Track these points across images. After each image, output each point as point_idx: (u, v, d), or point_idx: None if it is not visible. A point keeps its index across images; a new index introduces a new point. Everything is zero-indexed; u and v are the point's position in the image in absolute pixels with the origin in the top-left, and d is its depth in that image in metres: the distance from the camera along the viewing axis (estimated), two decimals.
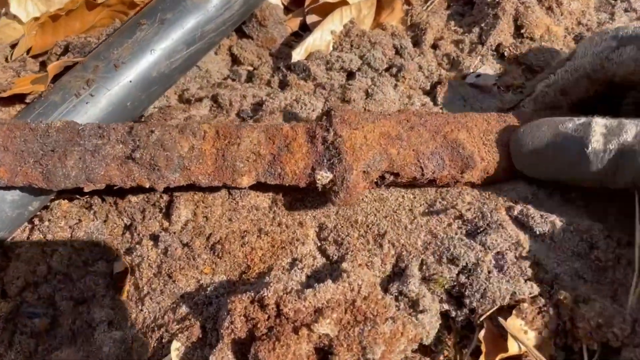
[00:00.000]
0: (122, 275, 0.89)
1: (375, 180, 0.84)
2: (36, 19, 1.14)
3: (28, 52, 1.17)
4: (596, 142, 0.71)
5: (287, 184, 0.81)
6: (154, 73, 0.94)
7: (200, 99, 1.06)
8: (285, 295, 0.73)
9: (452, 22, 1.21)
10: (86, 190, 0.81)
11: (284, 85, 1.10)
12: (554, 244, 0.79)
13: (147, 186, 0.80)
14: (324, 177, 0.79)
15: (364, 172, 0.80)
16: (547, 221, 0.79)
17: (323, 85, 1.06)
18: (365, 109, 1.02)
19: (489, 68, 1.09)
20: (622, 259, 0.75)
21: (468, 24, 1.18)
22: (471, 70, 1.09)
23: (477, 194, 0.88)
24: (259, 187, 0.88)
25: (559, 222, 0.79)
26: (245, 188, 0.86)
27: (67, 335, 0.85)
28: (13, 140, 0.78)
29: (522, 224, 0.81)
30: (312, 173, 0.80)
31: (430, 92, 1.08)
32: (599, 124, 0.72)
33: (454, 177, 0.85)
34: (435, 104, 1.05)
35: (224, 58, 1.21)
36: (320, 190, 0.81)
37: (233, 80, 1.15)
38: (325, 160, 0.80)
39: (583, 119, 0.74)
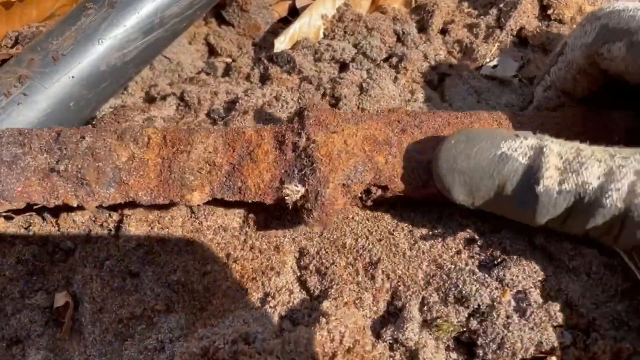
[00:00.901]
0: (63, 309, 0.75)
1: (359, 195, 0.68)
2: None
3: None
4: (549, 178, 0.54)
5: (249, 200, 0.67)
6: (103, 67, 0.79)
7: (165, 97, 0.91)
8: (246, 347, 0.58)
9: (466, 3, 1.03)
10: (1, 211, 0.66)
11: (264, 79, 0.94)
12: (591, 280, 0.63)
13: (75, 204, 0.66)
14: (294, 191, 0.64)
15: (344, 185, 0.65)
16: (582, 252, 0.62)
17: (309, 79, 0.90)
18: (359, 107, 0.86)
19: (509, 57, 0.92)
20: None
21: (484, 5, 1.01)
22: (487, 60, 0.92)
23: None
24: (226, 203, 0.73)
25: (596, 254, 0.63)
26: (196, 205, 0.71)
27: None
28: None
29: (549, 254, 0.64)
30: (280, 187, 0.65)
31: (438, 86, 0.91)
32: (553, 152, 0.55)
33: None
34: (442, 99, 0.89)
35: (199, 48, 1.05)
36: (290, 207, 0.66)
37: (208, 74, 0.99)
38: (295, 171, 0.65)
39: (532, 139, 0.57)
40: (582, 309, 0.62)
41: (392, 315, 0.67)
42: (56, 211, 0.77)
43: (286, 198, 0.64)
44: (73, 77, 0.76)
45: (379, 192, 0.68)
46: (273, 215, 0.77)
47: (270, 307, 0.69)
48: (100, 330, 0.72)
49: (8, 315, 0.76)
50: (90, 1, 0.80)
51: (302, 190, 0.64)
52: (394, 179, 0.67)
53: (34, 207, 0.69)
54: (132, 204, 0.70)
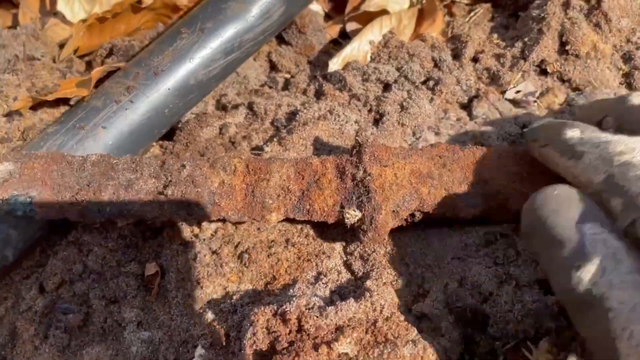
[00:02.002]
0: (152, 277, 0.91)
1: (405, 218, 0.83)
2: (84, 20, 1.18)
3: (75, 52, 1.21)
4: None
5: (315, 220, 0.82)
6: (192, 81, 0.96)
7: (236, 106, 1.08)
8: (307, 311, 0.74)
9: (495, 35, 1.18)
10: (120, 225, 0.83)
11: (319, 94, 1.10)
12: None
13: (178, 222, 0.82)
14: (352, 215, 0.80)
15: (393, 211, 0.80)
16: None
17: (358, 96, 1.06)
18: (400, 123, 1.01)
19: (530, 84, 1.06)
20: None
21: (511, 38, 1.15)
22: (511, 86, 1.07)
23: None
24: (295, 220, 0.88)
25: None
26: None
27: (98, 332, 0.88)
28: (50, 174, 0.80)
29: None
30: (341, 210, 0.81)
31: (467, 106, 1.06)
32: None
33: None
34: (470, 118, 1.04)
35: (262, 64, 1.22)
36: (349, 227, 0.82)
37: (270, 87, 1.16)
38: (354, 198, 0.80)
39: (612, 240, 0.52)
40: None
41: (421, 296, 0.82)
42: None
43: (346, 220, 0.80)
44: (169, 89, 0.94)
45: (421, 215, 0.84)
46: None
47: (322, 283, 0.84)
48: (182, 295, 0.88)
49: (107, 279, 0.92)
50: (184, 26, 0.97)
51: (359, 214, 0.80)
52: (435, 206, 0.81)
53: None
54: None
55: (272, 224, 0.84)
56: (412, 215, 0.84)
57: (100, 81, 1.00)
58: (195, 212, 0.81)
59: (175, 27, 0.99)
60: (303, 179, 0.83)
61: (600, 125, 0.74)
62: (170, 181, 0.80)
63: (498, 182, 0.83)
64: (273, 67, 1.22)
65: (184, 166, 0.81)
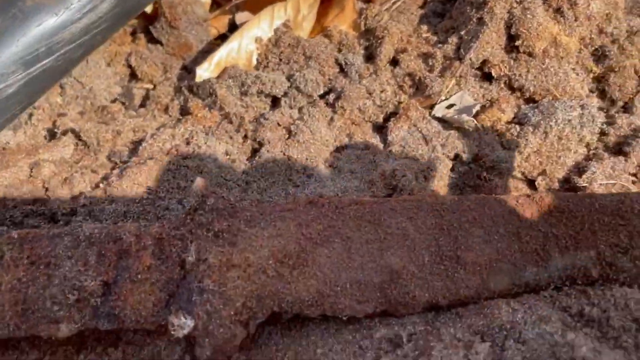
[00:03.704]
0: None
1: (262, 321, 0.56)
2: None
3: None
4: None
5: (129, 329, 0.54)
6: None
7: (65, 133, 0.78)
8: None
9: (425, 27, 0.87)
10: None
11: (185, 113, 0.81)
12: None
13: None
14: (180, 325, 0.51)
15: (242, 318, 0.52)
16: None
17: (231, 117, 0.76)
18: (284, 154, 0.72)
19: (468, 95, 0.77)
20: None
21: (445, 30, 0.85)
22: (442, 98, 0.78)
23: None
24: None
25: None
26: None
27: None
28: None
29: None
30: (163, 314, 0.53)
31: (383, 128, 0.77)
32: None
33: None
34: (385, 145, 0.75)
35: (118, 71, 0.91)
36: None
37: (123, 103, 0.86)
38: (184, 297, 0.52)
39: None
40: None
41: None
42: None
43: (172, 332, 0.52)
44: None
45: (290, 315, 0.56)
46: None
47: None
48: None
49: None
50: None
51: (190, 324, 0.52)
52: (309, 303, 0.54)
53: None
54: None
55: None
56: (277, 315, 0.56)
57: None
58: None
59: None
60: (109, 265, 0.54)
61: None
62: None
63: (399, 263, 0.54)
64: (133, 74, 0.91)
65: None
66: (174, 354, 0.61)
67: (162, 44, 0.94)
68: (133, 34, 0.97)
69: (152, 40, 0.95)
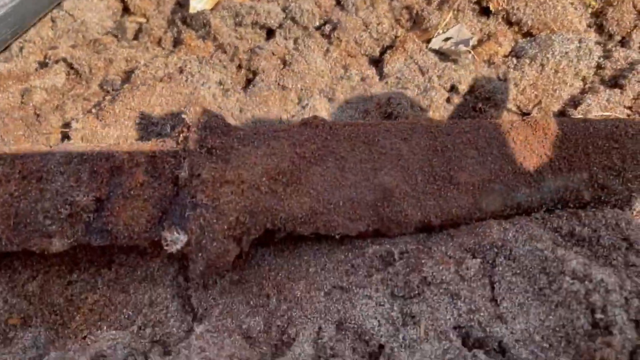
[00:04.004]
0: None
1: (256, 238, 0.56)
2: None
3: None
4: None
5: (122, 245, 0.54)
6: None
7: (57, 62, 0.77)
8: None
9: None
10: None
11: (178, 45, 0.79)
12: None
13: None
14: (174, 240, 0.52)
15: (235, 234, 0.53)
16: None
17: (224, 47, 0.75)
18: (279, 84, 0.72)
19: (465, 28, 0.77)
20: None
21: None
22: (440, 31, 0.77)
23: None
24: None
25: None
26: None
27: None
28: None
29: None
30: (156, 231, 0.53)
31: (379, 61, 0.77)
32: None
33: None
34: (380, 77, 0.74)
35: (110, 5, 0.89)
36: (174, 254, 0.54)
37: (115, 36, 0.84)
38: (177, 213, 0.52)
39: None
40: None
41: (286, 345, 0.56)
42: None
43: (165, 247, 0.52)
44: None
45: (284, 233, 0.56)
46: None
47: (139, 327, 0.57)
48: None
49: None
50: None
51: (184, 239, 0.52)
52: (301, 221, 0.55)
53: None
54: None
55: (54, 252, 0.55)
56: (270, 232, 0.56)
57: None
58: None
59: None
60: (101, 182, 0.54)
61: None
62: None
63: (392, 182, 0.55)
64: (126, 8, 0.89)
65: None
66: (167, 275, 0.62)
67: None
68: None
69: None
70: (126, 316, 0.59)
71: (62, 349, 0.57)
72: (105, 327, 0.59)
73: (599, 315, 0.50)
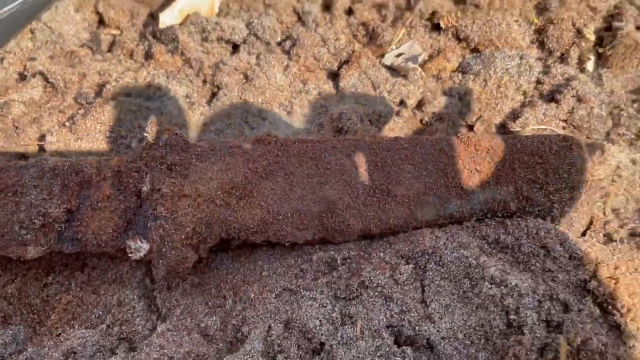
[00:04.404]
0: None
1: (214, 245, 0.62)
2: None
3: None
4: None
5: (91, 252, 0.60)
6: None
7: (34, 75, 0.82)
8: None
9: None
10: None
11: (149, 58, 0.85)
12: None
13: None
14: (137, 248, 0.57)
15: (193, 242, 0.58)
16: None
17: (191, 62, 0.80)
18: (241, 98, 0.77)
19: (417, 44, 0.82)
20: None
21: None
22: (392, 47, 0.82)
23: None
24: None
25: None
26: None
27: None
28: None
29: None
30: (121, 239, 0.58)
31: (337, 75, 0.82)
32: None
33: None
34: (337, 91, 0.80)
35: (86, 17, 0.94)
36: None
37: (90, 48, 0.89)
38: (140, 224, 0.58)
39: None
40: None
41: (240, 342, 0.62)
42: None
43: (129, 254, 0.58)
44: None
45: (239, 242, 0.62)
46: None
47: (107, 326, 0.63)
48: None
49: None
50: None
51: (146, 247, 0.58)
52: (252, 230, 0.61)
53: None
54: None
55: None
56: (226, 240, 0.62)
57: None
58: None
59: None
60: (72, 195, 0.60)
61: None
62: None
63: (336, 195, 0.61)
64: (101, 20, 0.94)
65: None
66: (134, 277, 0.68)
67: None
68: None
69: None
70: (96, 315, 0.65)
71: (39, 346, 0.64)
72: (77, 326, 0.65)
73: (512, 317, 0.56)
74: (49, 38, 0.90)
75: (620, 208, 0.70)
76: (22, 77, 0.86)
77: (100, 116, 0.72)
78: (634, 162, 0.71)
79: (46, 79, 0.80)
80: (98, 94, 0.79)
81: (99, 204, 0.60)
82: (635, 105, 0.76)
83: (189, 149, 0.61)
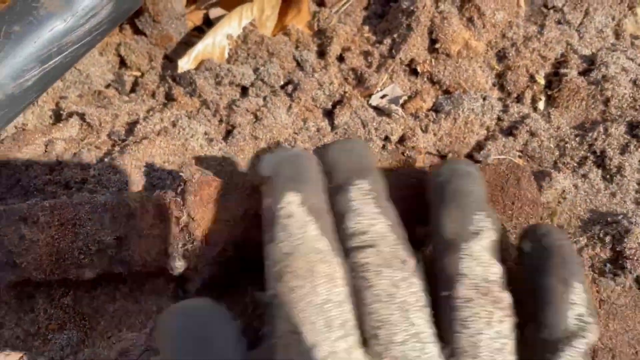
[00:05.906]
0: None
1: None
2: None
3: None
4: None
5: (136, 270, 0.74)
6: (0, 95, 0.82)
7: (70, 115, 0.95)
8: None
9: (367, 28, 1.07)
10: None
11: (170, 98, 0.98)
12: None
13: None
14: (179, 266, 0.71)
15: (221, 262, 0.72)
16: None
17: (208, 103, 0.94)
18: (253, 136, 0.92)
19: (398, 87, 0.98)
20: None
21: (383, 31, 1.05)
22: (378, 89, 0.98)
23: None
24: None
25: None
26: None
27: None
28: None
29: None
30: (163, 260, 0.72)
31: (331, 113, 0.97)
32: None
33: None
34: (332, 128, 0.95)
35: (109, 59, 1.07)
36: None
37: (116, 88, 1.03)
38: (178, 246, 0.71)
39: None
40: None
41: None
42: None
43: (170, 272, 0.72)
44: None
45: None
46: None
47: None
48: None
49: None
50: None
51: (184, 265, 0.71)
52: None
53: None
54: None
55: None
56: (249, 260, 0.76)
57: None
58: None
59: None
60: (120, 225, 0.73)
61: None
62: None
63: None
64: (123, 62, 1.08)
65: None
66: (169, 288, 0.82)
67: (146, 35, 1.10)
68: (119, 26, 1.12)
69: (137, 31, 1.11)
70: (140, 321, 0.79)
71: (92, 347, 0.77)
72: (124, 330, 0.79)
73: None
74: (77, 79, 1.03)
75: (564, 224, 0.86)
76: (56, 114, 0.98)
77: (135, 153, 0.86)
78: (575, 186, 0.88)
79: (82, 119, 0.93)
80: (128, 131, 0.93)
81: (144, 232, 0.74)
82: (577, 138, 0.93)
83: (218, 187, 0.75)
